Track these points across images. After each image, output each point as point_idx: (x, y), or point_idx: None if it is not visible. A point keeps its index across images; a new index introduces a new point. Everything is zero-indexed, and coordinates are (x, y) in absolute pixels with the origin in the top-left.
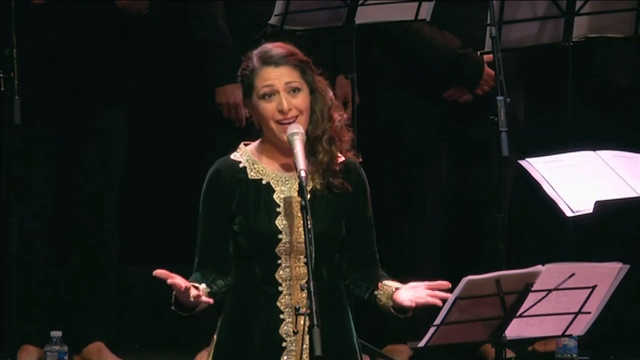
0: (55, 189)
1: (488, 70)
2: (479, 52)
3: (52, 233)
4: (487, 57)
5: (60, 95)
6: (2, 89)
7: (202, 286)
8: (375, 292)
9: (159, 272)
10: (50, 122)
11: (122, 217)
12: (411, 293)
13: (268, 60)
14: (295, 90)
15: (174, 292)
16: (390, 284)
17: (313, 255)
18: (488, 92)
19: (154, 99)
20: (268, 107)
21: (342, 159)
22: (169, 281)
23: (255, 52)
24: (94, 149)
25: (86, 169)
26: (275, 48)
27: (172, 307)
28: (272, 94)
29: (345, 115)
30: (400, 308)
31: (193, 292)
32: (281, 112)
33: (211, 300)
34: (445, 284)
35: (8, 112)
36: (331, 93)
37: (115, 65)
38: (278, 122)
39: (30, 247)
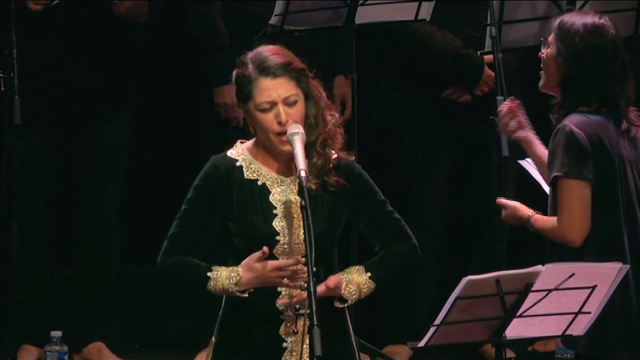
0: (56, 189)
1: (487, 71)
2: (478, 52)
3: (52, 233)
4: (487, 58)
5: (61, 96)
6: (2, 89)
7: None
8: None
9: (267, 250)
10: (51, 123)
11: (123, 217)
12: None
13: (266, 71)
14: (292, 102)
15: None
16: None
17: (313, 255)
18: (487, 92)
19: (155, 100)
20: (266, 118)
21: (334, 155)
22: (278, 263)
23: (250, 57)
24: (95, 150)
25: (87, 169)
26: (273, 57)
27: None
28: (271, 106)
29: (337, 115)
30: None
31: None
32: (279, 123)
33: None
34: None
35: (8, 112)
36: (324, 95)
37: (116, 67)
38: (277, 134)
39: (30, 247)
